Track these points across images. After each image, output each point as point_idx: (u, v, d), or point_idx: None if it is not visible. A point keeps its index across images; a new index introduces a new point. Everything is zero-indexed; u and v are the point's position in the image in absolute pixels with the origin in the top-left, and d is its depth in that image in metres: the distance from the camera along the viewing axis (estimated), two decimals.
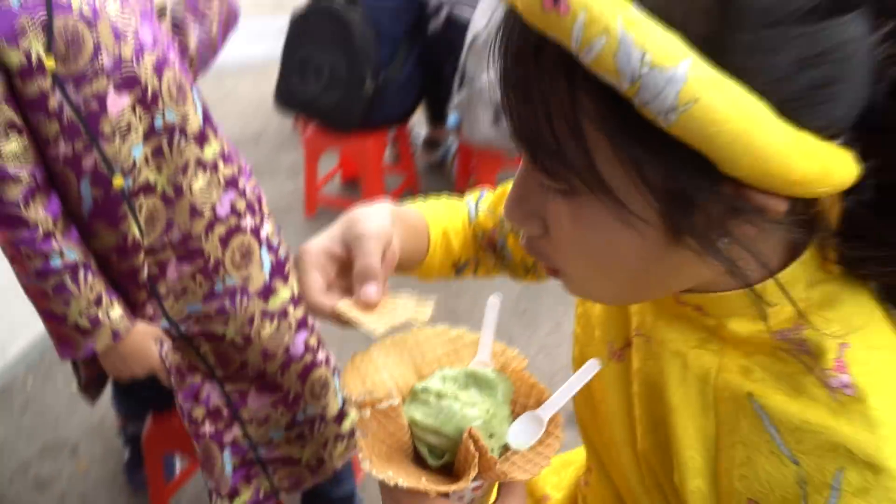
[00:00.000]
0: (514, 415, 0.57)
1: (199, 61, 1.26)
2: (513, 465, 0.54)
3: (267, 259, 1.28)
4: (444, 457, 0.54)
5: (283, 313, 1.30)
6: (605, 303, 0.58)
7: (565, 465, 0.87)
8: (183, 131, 1.14)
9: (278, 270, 1.32)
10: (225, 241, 1.23)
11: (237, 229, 1.24)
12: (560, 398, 0.56)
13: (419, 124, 3.38)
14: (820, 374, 0.46)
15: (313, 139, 2.79)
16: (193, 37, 1.24)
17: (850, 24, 0.36)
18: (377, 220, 0.60)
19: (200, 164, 1.17)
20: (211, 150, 1.19)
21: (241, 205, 1.24)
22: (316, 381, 1.37)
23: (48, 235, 1.04)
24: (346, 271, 0.61)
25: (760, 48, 0.35)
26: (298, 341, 1.32)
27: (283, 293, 1.31)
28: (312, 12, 2.50)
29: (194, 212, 1.18)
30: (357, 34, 2.39)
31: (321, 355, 1.38)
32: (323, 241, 0.61)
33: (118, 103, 1.04)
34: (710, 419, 0.52)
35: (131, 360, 1.18)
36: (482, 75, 2.31)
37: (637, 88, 0.36)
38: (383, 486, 0.53)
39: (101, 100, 1.02)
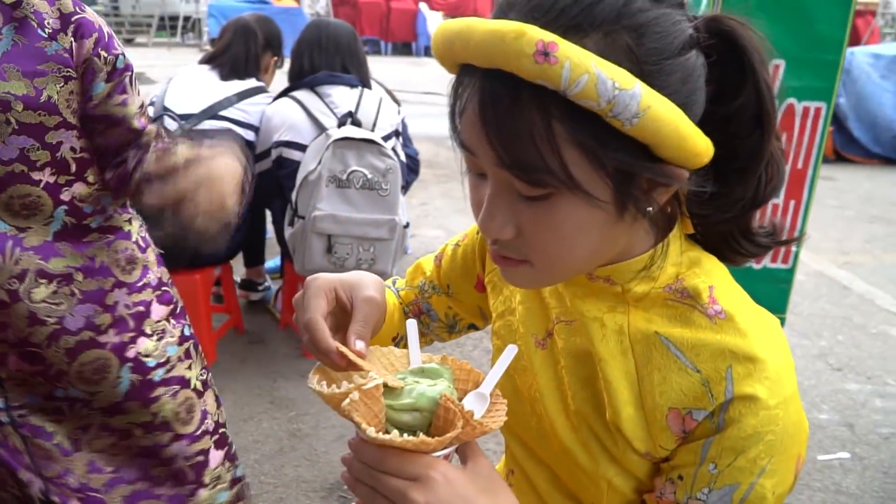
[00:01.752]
0: (458, 397, 0.67)
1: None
2: (483, 419, 0.64)
3: (127, 378, 1.24)
4: (413, 435, 0.61)
5: (125, 433, 1.26)
6: (558, 280, 0.71)
7: None
8: (18, 242, 1.12)
9: (141, 392, 1.26)
10: (72, 354, 1.19)
11: (92, 344, 1.20)
12: (494, 376, 0.69)
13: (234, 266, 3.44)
14: (701, 308, 0.68)
15: None
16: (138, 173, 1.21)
17: (697, 55, 0.61)
18: (380, 293, 0.76)
19: (44, 274, 1.15)
20: (63, 263, 1.17)
21: (104, 320, 1.21)
22: None
23: None
24: (338, 312, 0.75)
25: (663, 73, 0.57)
26: (135, 465, 1.28)
27: (136, 416, 1.26)
28: None
29: (34, 319, 1.15)
30: None
31: (162, 490, 1.32)
32: (333, 281, 0.74)
33: None
34: (630, 359, 0.70)
35: None
36: (314, 212, 2.49)
37: (612, 106, 0.53)
38: (367, 452, 0.60)
39: None
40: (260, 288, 3.42)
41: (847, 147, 7.62)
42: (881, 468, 2.43)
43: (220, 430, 1.40)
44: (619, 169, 0.58)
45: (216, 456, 1.37)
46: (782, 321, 2.37)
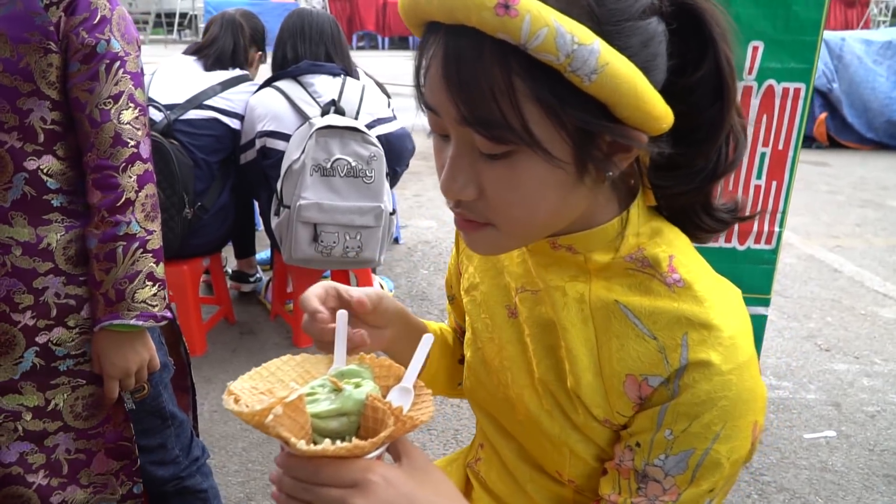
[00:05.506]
0: (382, 394, 0.67)
1: None
2: (412, 413, 0.63)
3: (29, 359, 1.22)
4: (343, 441, 0.59)
5: (14, 415, 1.23)
6: (519, 244, 0.71)
7: (451, 462, 1.01)
8: None
9: (39, 376, 1.24)
10: None
11: (3, 317, 1.19)
12: (414, 369, 0.69)
13: (225, 257, 3.45)
14: (660, 277, 0.69)
15: None
16: None
17: (658, 22, 0.61)
18: (394, 307, 0.84)
19: None
20: (8, 233, 1.17)
21: (25, 300, 1.19)
22: (11, 497, 1.26)
23: None
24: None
25: (623, 34, 0.57)
26: (14, 449, 1.25)
27: (28, 399, 1.23)
28: None
29: None
30: (174, 161, 2.48)
31: (35, 478, 1.27)
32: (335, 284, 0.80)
33: None
34: (590, 327, 0.71)
35: None
36: (299, 201, 2.50)
37: (570, 60, 0.53)
38: (298, 467, 0.59)
39: None
40: (251, 280, 3.43)
41: (841, 133, 7.62)
42: (867, 446, 2.45)
43: (121, 443, 1.35)
44: (579, 128, 0.58)
45: (102, 461, 1.34)
46: (766, 301, 2.38)
